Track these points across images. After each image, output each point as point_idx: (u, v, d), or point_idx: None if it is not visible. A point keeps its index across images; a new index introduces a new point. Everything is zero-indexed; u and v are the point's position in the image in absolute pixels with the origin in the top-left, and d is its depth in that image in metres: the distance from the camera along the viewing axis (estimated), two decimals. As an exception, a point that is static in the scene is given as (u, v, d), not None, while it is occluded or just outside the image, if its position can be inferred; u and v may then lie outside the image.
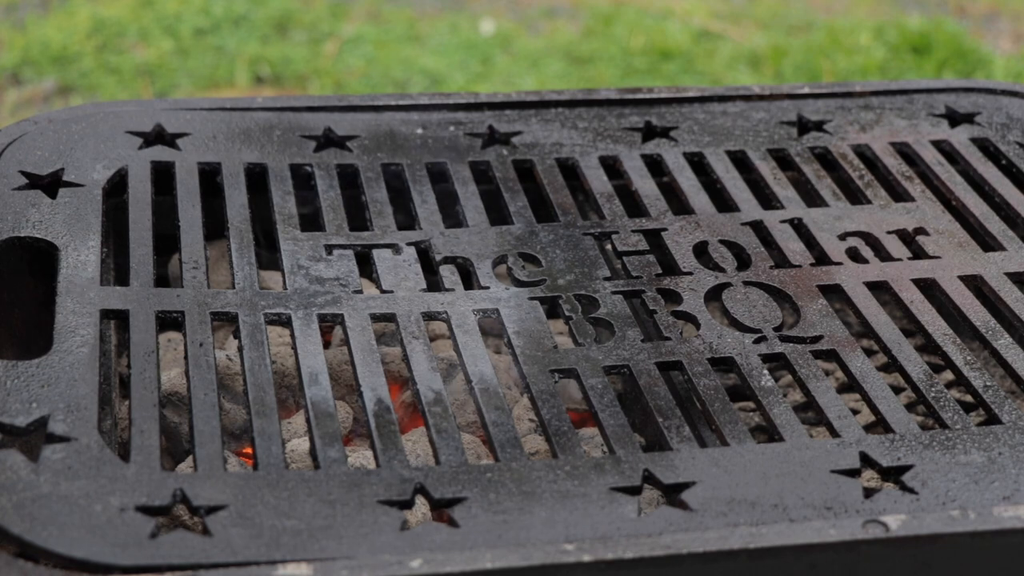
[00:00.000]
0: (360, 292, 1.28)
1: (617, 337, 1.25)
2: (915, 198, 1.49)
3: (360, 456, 1.23)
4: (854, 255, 1.39)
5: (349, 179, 1.47)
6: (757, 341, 1.25)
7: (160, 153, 1.46)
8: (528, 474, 1.07)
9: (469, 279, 1.33)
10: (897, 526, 1.01)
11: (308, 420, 1.13)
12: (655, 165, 1.53)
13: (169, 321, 1.23)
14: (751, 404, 1.37)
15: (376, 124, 1.55)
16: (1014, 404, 1.19)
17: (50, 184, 1.39)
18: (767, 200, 1.49)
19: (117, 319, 1.23)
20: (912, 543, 1.01)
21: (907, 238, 1.43)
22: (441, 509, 1.04)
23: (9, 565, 0.95)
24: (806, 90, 1.67)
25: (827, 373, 1.30)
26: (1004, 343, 1.27)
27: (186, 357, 1.18)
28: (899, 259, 1.39)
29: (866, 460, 1.11)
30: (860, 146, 1.58)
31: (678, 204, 1.47)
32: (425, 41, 3.36)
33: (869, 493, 1.07)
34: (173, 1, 3.43)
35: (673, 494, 1.06)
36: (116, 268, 1.31)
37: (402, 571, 0.96)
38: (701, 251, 1.39)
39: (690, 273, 1.34)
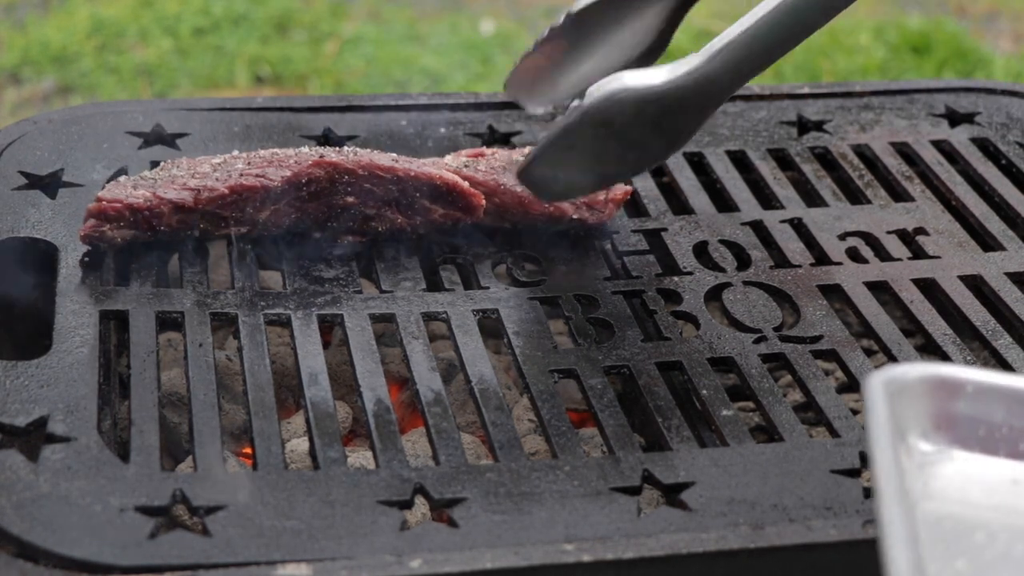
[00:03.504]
0: (360, 292, 1.28)
1: (617, 337, 1.25)
2: (915, 198, 1.49)
3: (360, 456, 1.23)
4: (854, 255, 1.39)
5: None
6: (757, 341, 1.25)
7: (160, 153, 1.46)
8: (528, 474, 1.07)
9: (469, 279, 1.33)
10: (897, 526, 1.01)
11: (308, 420, 1.13)
12: (655, 165, 1.53)
13: (169, 321, 1.23)
14: (751, 404, 1.37)
15: (376, 124, 1.55)
16: (1014, 404, 1.19)
17: (50, 184, 1.39)
18: (767, 200, 1.49)
19: (117, 319, 1.23)
20: (912, 543, 1.01)
21: (907, 238, 1.43)
22: (441, 509, 1.04)
23: (9, 565, 0.95)
24: (806, 90, 1.67)
25: (827, 373, 1.30)
26: (1004, 343, 1.27)
27: (186, 357, 1.18)
28: (899, 259, 1.39)
29: (866, 460, 1.11)
30: (860, 146, 1.58)
31: (678, 204, 1.47)
32: (425, 41, 3.35)
33: (869, 493, 1.07)
34: (173, 1, 3.43)
35: (673, 494, 1.06)
36: (116, 268, 1.31)
37: (402, 571, 0.96)
38: (701, 251, 1.39)
39: (690, 273, 1.34)
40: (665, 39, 1.33)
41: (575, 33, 1.30)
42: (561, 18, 1.29)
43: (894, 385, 0.81)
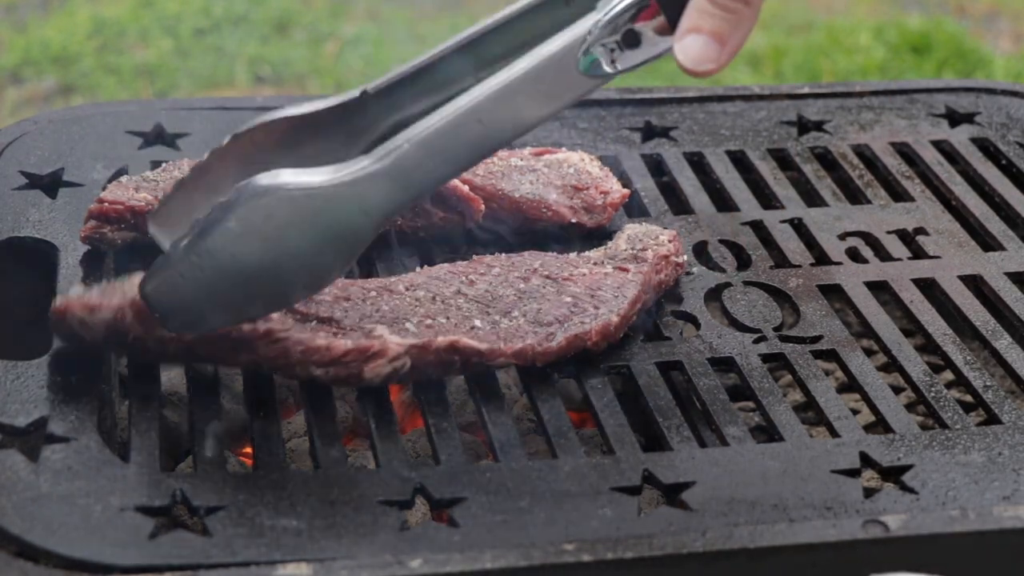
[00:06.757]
0: (360, 292, 1.28)
1: (617, 337, 1.24)
2: (915, 198, 1.49)
3: (360, 456, 1.23)
4: (854, 255, 1.39)
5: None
6: (757, 341, 1.25)
7: (160, 153, 1.46)
8: (528, 474, 1.07)
9: (469, 279, 1.33)
10: (897, 526, 1.01)
11: (308, 420, 1.13)
12: (655, 165, 1.53)
13: (169, 321, 1.23)
14: (751, 404, 1.37)
15: (376, 124, 1.54)
16: (1014, 404, 1.19)
17: (50, 184, 1.39)
18: (767, 200, 1.49)
19: (117, 319, 1.23)
20: (912, 543, 1.01)
21: (907, 238, 1.43)
22: (441, 509, 1.04)
23: (9, 565, 0.95)
24: (806, 90, 1.67)
25: (827, 373, 1.30)
26: (1004, 343, 1.27)
27: (186, 357, 1.18)
28: (899, 259, 1.39)
29: (866, 460, 1.11)
30: (860, 146, 1.58)
31: (678, 204, 1.47)
32: (425, 41, 3.35)
33: (869, 493, 1.07)
34: (173, 1, 3.43)
35: (673, 494, 1.06)
36: (116, 268, 1.31)
37: (402, 571, 0.95)
38: (701, 251, 1.39)
39: (690, 273, 1.34)
40: None
41: (239, 160, 1.14)
42: (225, 140, 1.14)
43: None
